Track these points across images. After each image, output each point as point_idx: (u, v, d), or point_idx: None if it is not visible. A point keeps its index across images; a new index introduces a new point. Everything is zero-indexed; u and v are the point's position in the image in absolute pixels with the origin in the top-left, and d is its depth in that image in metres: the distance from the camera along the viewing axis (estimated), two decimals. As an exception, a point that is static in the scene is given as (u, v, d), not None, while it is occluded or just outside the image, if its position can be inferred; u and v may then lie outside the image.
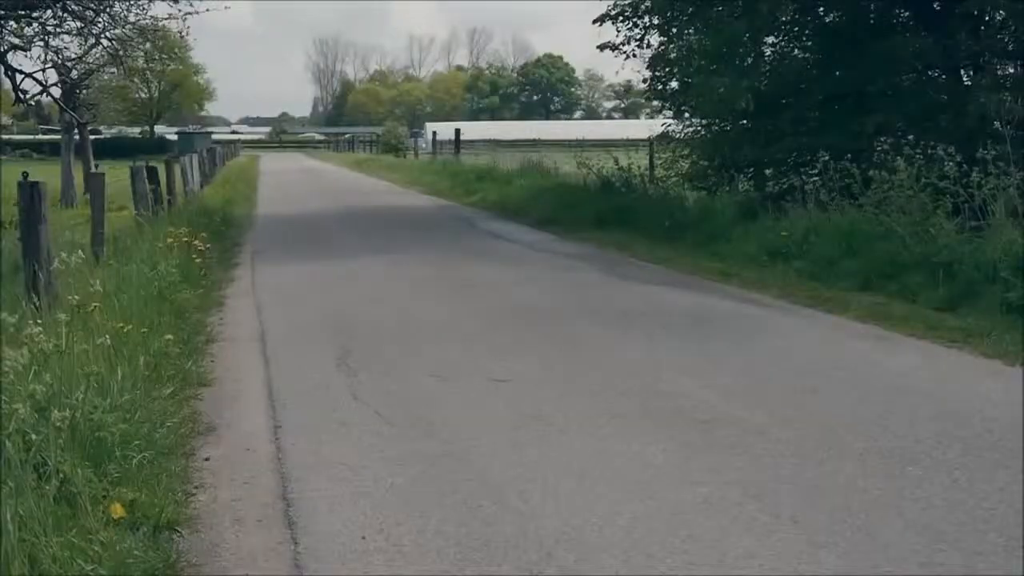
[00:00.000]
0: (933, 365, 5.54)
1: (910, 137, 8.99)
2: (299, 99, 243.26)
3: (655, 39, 14.60)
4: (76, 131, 24.17)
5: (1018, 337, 5.87)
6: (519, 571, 3.00)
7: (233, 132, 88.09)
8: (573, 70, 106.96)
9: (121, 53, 17.87)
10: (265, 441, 4.31)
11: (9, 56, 15.50)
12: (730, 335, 6.39)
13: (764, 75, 12.81)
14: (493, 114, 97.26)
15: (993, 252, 7.08)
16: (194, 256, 8.88)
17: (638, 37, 14.83)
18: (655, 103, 15.52)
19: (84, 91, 24.31)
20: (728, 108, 12.04)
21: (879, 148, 9.26)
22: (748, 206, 11.47)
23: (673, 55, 14.14)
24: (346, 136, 75.12)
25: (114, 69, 22.57)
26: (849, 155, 9.57)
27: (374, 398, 4.92)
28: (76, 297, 4.72)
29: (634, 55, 15.02)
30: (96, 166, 18.13)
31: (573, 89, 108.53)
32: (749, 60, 13.07)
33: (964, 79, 11.67)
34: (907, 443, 4.08)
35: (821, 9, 12.79)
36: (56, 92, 19.13)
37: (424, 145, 44.58)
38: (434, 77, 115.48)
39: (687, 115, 14.37)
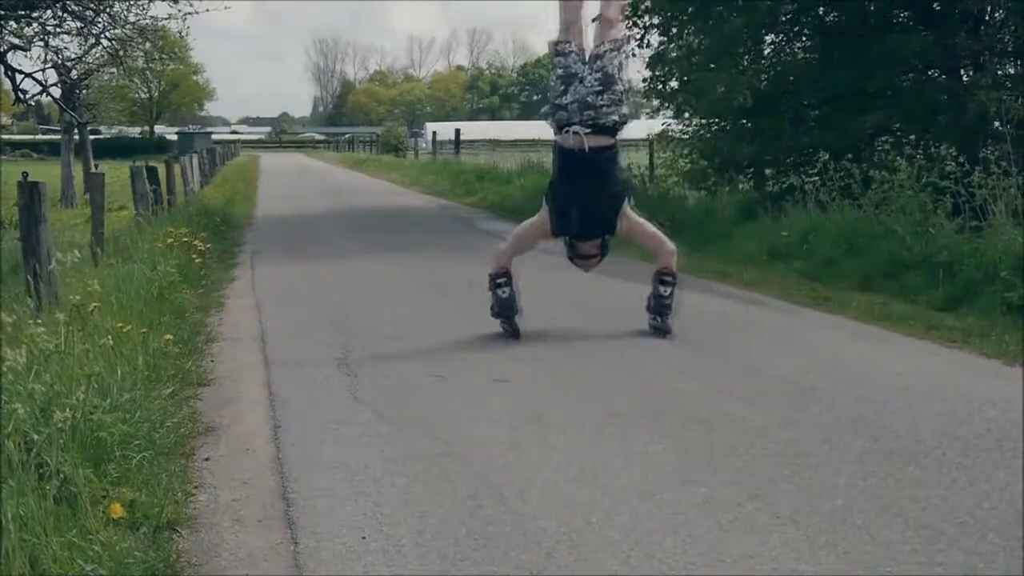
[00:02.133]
0: (933, 365, 5.54)
1: (911, 137, 8.99)
2: (299, 99, 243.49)
3: (655, 39, 14.62)
4: (76, 131, 24.21)
5: (1018, 337, 5.87)
6: (519, 571, 3.00)
7: (233, 132, 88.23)
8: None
9: (121, 53, 17.93)
10: (265, 441, 4.31)
11: (9, 56, 15.53)
12: (730, 334, 6.39)
13: (763, 73, 12.81)
14: (493, 114, 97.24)
15: (993, 252, 7.09)
16: (194, 256, 8.88)
17: (638, 37, 14.82)
18: (655, 103, 15.52)
19: (84, 91, 24.35)
20: (727, 106, 12.05)
21: (879, 148, 9.27)
22: (748, 206, 11.48)
23: (673, 55, 14.13)
24: (346, 136, 75.12)
25: (114, 69, 22.63)
26: (849, 155, 9.57)
27: (374, 398, 4.91)
28: (76, 297, 4.72)
29: (634, 55, 15.00)
30: (96, 166, 18.15)
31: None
32: (748, 58, 13.08)
33: (964, 78, 11.67)
34: (907, 443, 4.08)
35: (821, 8, 12.79)
36: (56, 92, 19.19)
37: (424, 145, 44.56)
38: (434, 77, 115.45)
39: (687, 115, 14.38)
